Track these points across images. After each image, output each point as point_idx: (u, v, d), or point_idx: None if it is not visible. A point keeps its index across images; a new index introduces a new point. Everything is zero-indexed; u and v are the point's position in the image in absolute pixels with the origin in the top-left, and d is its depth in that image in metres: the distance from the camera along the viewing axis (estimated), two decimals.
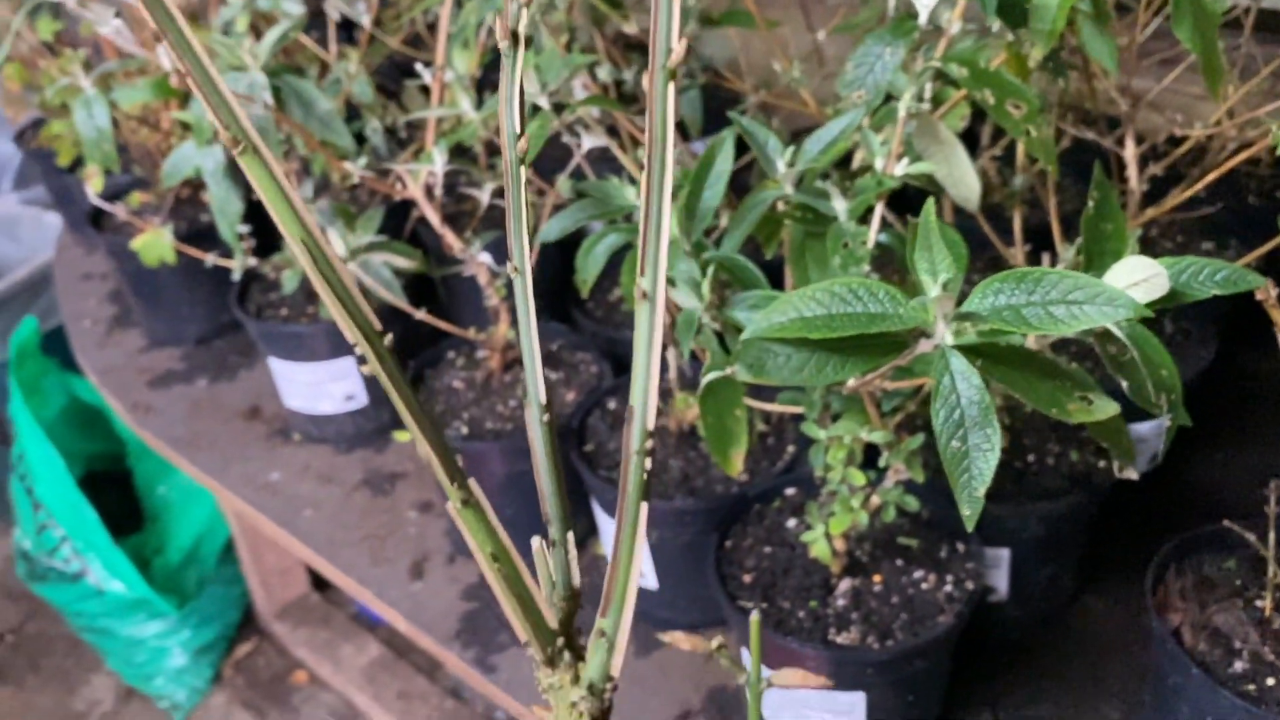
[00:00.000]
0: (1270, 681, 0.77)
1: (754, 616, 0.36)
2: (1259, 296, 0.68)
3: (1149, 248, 1.13)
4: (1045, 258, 0.87)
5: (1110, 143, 0.99)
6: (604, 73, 0.99)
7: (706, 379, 0.67)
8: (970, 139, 1.07)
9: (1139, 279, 0.62)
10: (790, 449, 0.96)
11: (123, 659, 1.80)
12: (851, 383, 0.67)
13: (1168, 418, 0.65)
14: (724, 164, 0.73)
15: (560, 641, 0.36)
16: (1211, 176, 0.90)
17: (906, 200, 0.87)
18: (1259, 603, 0.82)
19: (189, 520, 1.83)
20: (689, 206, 0.73)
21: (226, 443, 1.26)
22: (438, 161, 0.85)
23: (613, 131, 1.01)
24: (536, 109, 0.86)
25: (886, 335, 0.54)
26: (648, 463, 0.31)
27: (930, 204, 0.54)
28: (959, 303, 0.55)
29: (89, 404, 1.83)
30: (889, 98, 0.74)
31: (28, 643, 1.95)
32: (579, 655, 0.35)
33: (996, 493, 0.92)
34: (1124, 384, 0.65)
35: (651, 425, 0.30)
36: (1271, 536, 0.80)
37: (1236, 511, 0.94)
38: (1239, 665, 0.78)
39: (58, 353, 1.77)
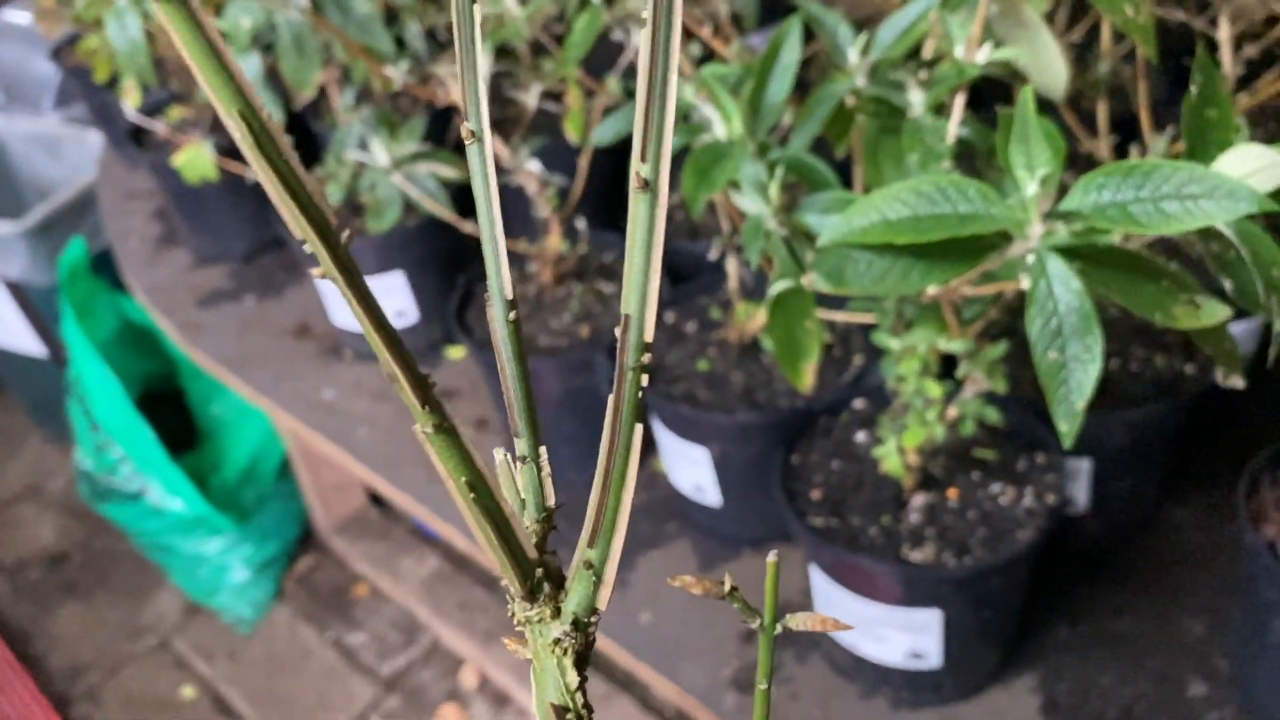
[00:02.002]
0: None
1: (770, 558, 0.32)
2: None
3: (1254, 129, 1.06)
4: (1134, 150, 0.81)
5: (1202, 24, 0.92)
6: None
7: (775, 289, 0.64)
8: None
9: (1252, 169, 0.56)
10: (857, 359, 0.92)
11: (186, 575, 1.83)
12: (933, 290, 0.63)
13: (1277, 319, 0.60)
14: (791, 55, 0.68)
15: (539, 572, 0.32)
16: None
17: (976, 94, 0.81)
18: None
19: (244, 438, 1.84)
20: (754, 102, 0.68)
21: (277, 361, 1.25)
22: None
23: None
24: (585, 3, 0.80)
25: (977, 238, 0.50)
26: (644, 379, 0.27)
27: (1028, 91, 0.49)
28: (1057, 200, 0.50)
29: (140, 324, 1.83)
30: None
31: (95, 559, 1.99)
32: (560, 585, 0.32)
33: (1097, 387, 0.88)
34: (1227, 284, 0.60)
35: (650, 336, 0.26)
36: None
37: None
38: None
39: (107, 273, 1.76)
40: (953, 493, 0.81)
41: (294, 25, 0.91)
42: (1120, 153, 0.85)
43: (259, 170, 0.24)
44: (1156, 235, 0.48)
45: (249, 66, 0.97)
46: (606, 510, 0.31)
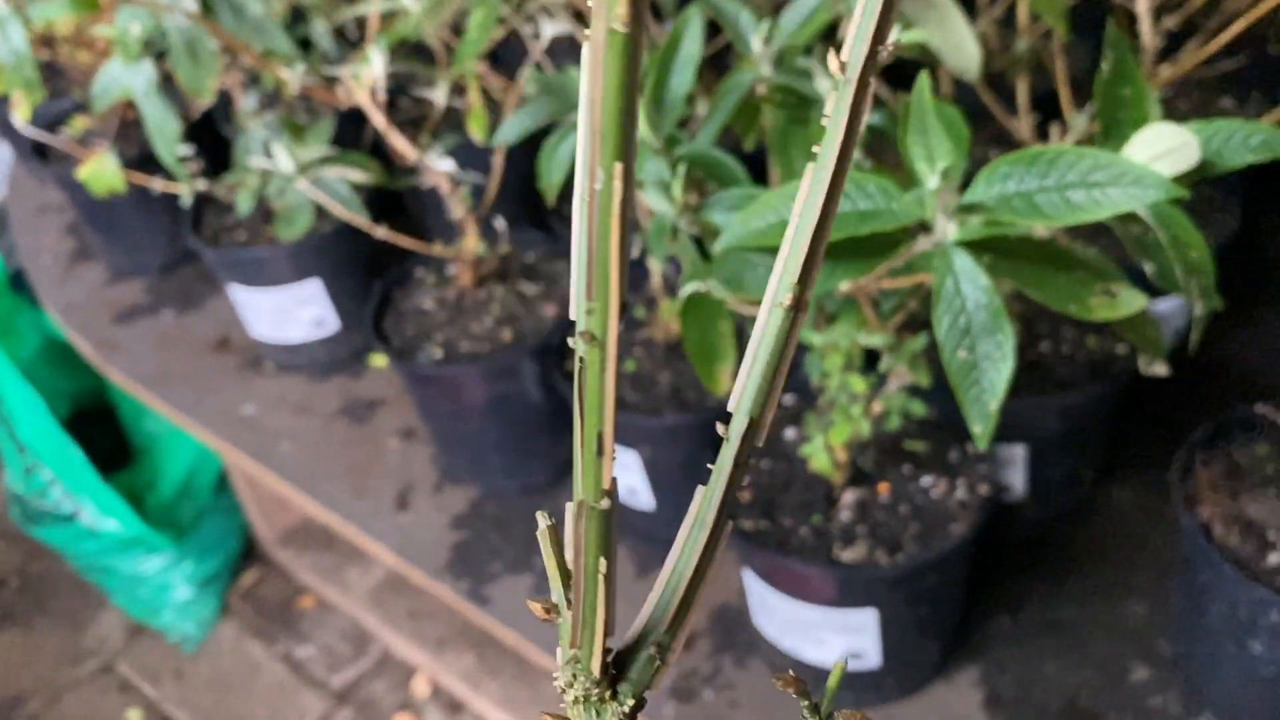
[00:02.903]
0: None
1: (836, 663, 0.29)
2: None
3: (1164, 109, 1.04)
4: (1054, 129, 0.79)
5: None
6: None
7: (685, 291, 0.61)
8: (967, 1, 0.98)
9: (1165, 149, 0.54)
10: None
11: (127, 596, 1.78)
12: (845, 287, 0.60)
13: (1198, 303, 0.58)
14: (692, 45, 0.65)
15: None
16: (1237, 27, 0.81)
17: (904, 75, 0.79)
18: None
19: (179, 452, 1.79)
20: (655, 96, 0.65)
21: (198, 377, 1.21)
22: (376, 63, 0.77)
23: (581, 17, 0.92)
24: None
25: (880, 234, 0.47)
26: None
27: (923, 80, 0.47)
28: (961, 191, 0.48)
29: (65, 341, 1.78)
30: None
31: (32, 584, 1.93)
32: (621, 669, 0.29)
33: (1010, 386, 0.86)
34: (1148, 267, 0.58)
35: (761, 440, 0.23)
36: None
37: (1267, 393, 0.88)
38: (1273, 558, 0.73)
39: (29, 290, 1.70)
40: (884, 488, 0.79)
41: (184, 30, 0.87)
42: (1042, 132, 0.83)
43: None
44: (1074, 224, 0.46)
45: (141, 76, 0.92)
46: (690, 600, 0.27)
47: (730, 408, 0.23)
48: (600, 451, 0.22)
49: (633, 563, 0.94)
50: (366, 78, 0.78)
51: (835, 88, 0.60)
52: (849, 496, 0.78)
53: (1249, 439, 0.81)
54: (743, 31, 0.65)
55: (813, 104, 0.65)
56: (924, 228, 0.49)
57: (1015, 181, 0.46)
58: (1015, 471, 0.85)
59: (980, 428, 0.48)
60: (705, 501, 0.24)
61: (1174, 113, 1.04)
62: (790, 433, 0.83)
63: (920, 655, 0.81)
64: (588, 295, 0.20)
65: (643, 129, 0.65)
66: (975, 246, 0.49)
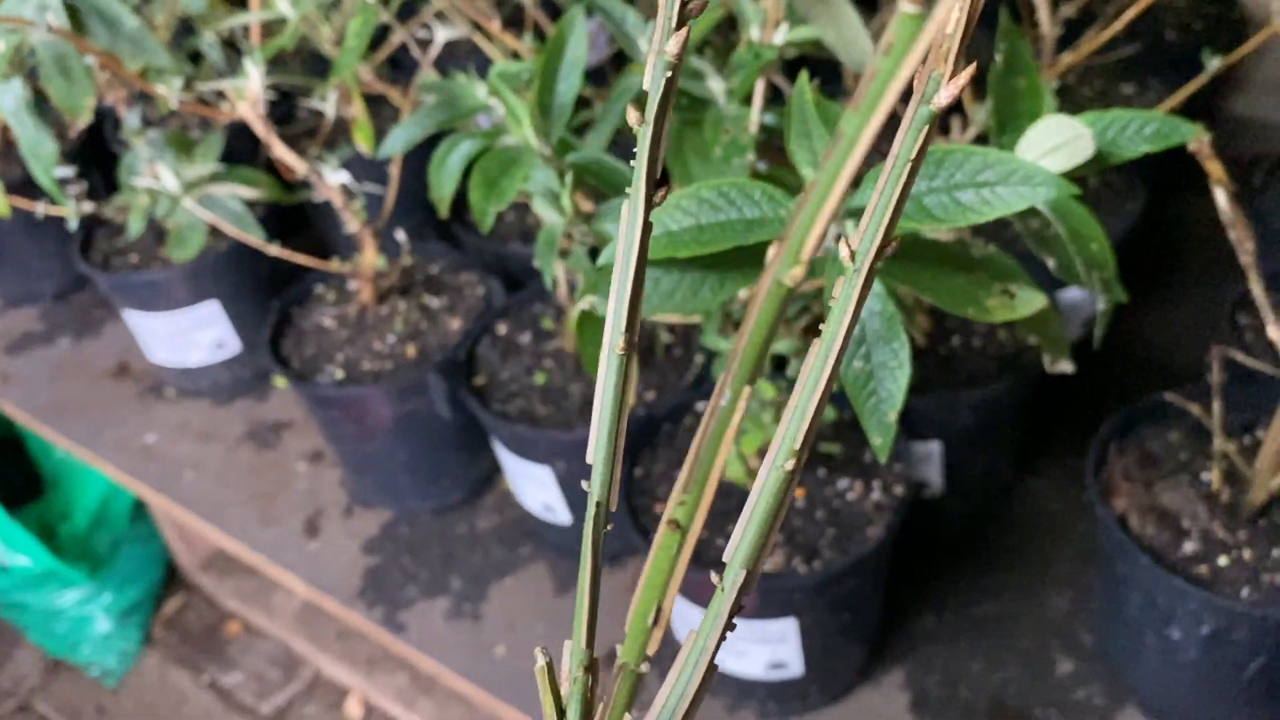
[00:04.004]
0: (1222, 561, 0.72)
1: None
2: (1192, 148, 0.60)
3: (1066, 97, 1.04)
4: (955, 122, 0.78)
5: None
6: None
7: (580, 307, 0.58)
8: None
9: (1060, 142, 0.53)
10: (699, 358, 0.87)
11: (43, 631, 1.71)
12: (743, 294, 0.58)
13: (1100, 297, 0.57)
14: (578, 48, 0.62)
15: None
16: (1131, 13, 0.81)
17: (813, 71, 0.78)
18: (1205, 475, 0.76)
19: (92, 481, 1.73)
20: (542, 102, 0.63)
21: (96, 407, 1.15)
22: (253, 76, 0.73)
23: (478, 26, 0.89)
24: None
25: (769, 243, 0.45)
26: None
27: (803, 81, 0.45)
28: (851, 194, 0.46)
29: None
30: None
31: None
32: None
33: (922, 383, 0.85)
34: (1050, 261, 0.57)
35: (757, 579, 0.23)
36: (1216, 406, 0.74)
37: (1177, 376, 0.88)
38: (1189, 546, 0.73)
39: None
40: (799, 493, 0.77)
41: (53, 46, 0.82)
42: (943, 126, 0.82)
43: None
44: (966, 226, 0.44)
45: (10, 95, 0.87)
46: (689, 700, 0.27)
47: (725, 558, 0.23)
48: (656, 622, 0.23)
49: (552, 579, 0.92)
50: (247, 91, 0.75)
51: (729, 96, 0.57)
52: None
53: (1162, 426, 0.81)
54: (629, 33, 0.63)
55: (706, 105, 0.63)
56: None
57: None
58: (932, 468, 0.84)
59: (880, 439, 0.46)
60: (697, 647, 0.23)
61: (1075, 99, 1.04)
62: None
63: (844, 661, 0.80)
64: (684, 488, 0.21)
65: (529, 135, 0.62)
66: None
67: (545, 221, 0.61)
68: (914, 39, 0.17)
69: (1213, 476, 0.75)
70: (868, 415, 0.46)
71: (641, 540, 0.75)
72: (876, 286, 0.45)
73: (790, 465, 0.23)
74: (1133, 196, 0.94)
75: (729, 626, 0.25)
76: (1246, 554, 0.72)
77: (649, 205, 0.26)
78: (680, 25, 0.26)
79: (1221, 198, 0.64)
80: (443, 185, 0.71)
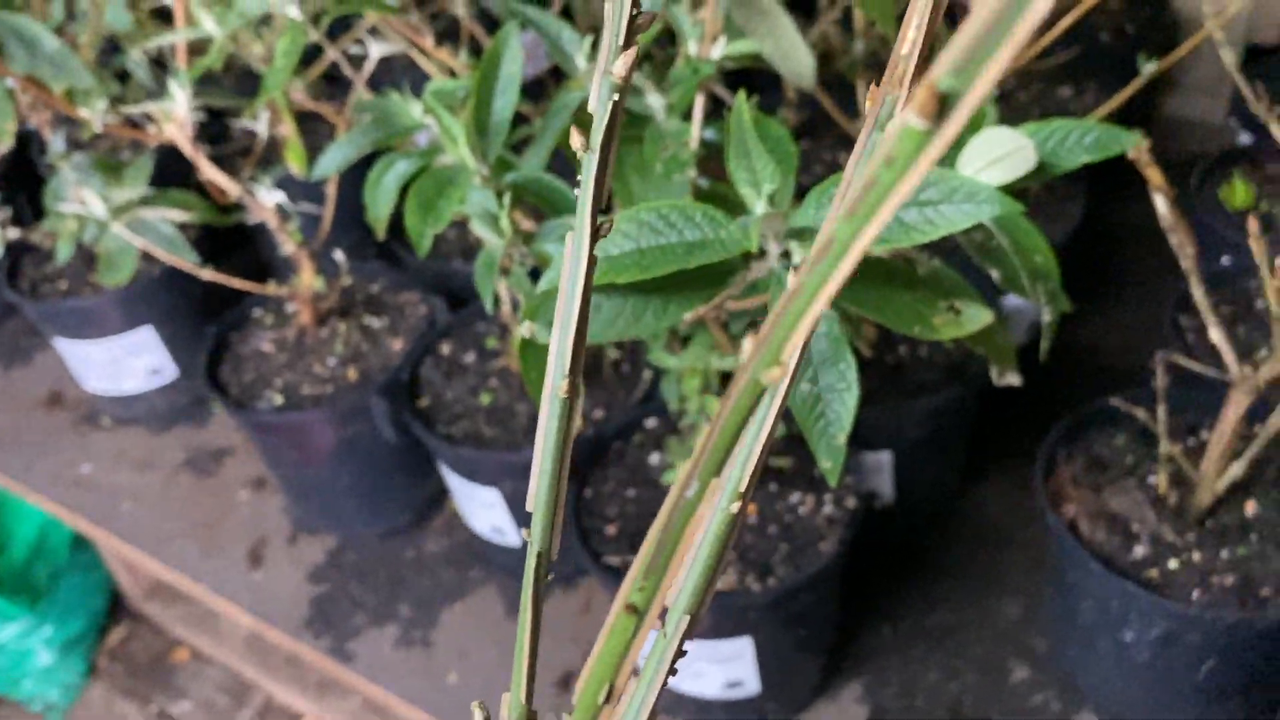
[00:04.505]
0: (1172, 564, 0.72)
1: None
2: (1131, 155, 0.60)
3: (1005, 102, 1.05)
4: None
5: None
6: None
7: (522, 331, 0.57)
8: (809, 3, 0.97)
9: (1001, 154, 0.53)
10: (647, 374, 0.86)
11: None
12: (688, 317, 0.57)
13: (1045, 308, 0.57)
14: (513, 65, 0.61)
15: None
16: (1067, 20, 0.81)
17: (750, 84, 0.77)
18: (1152, 479, 0.76)
19: (29, 511, 1.68)
20: (478, 121, 0.61)
21: (28, 437, 1.12)
22: (179, 97, 0.71)
23: (413, 44, 0.87)
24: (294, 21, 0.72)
25: (711, 265, 0.44)
26: None
27: (741, 101, 0.44)
28: (797, 204, 0.45)
29: None
30: None
31: None
32: None
33: (871, 393, 0.85)
34: (994, 273, 0.57)
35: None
36: (1160, 410, 0.74)
37: (1122, 380, 0.88)
38: (1139, 550, 0.73)
39: None
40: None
41: None
42: None
43: None
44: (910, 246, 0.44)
45: None
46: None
47: (667, 603, 0.22)
48: (608, 699, 0.23)
49: (503, 603, 0.90)
50: (173, 113, 0.72)
51: (669, 111, 0.56)
52: None
53: (1108, 431, 0.81)
54: (566, 49, 0.62)
55: (645, 121, 0.62)
56: (759, 253, 0.46)
57: None
58: (882, 478, 0.84)
59: (829, 462, 0.45)
60: (638, 696, 0.22)
61: (1014, 104, 1.05)
62: (656, 457, 0.80)
63: (801, 676, 0.79)
64: (644, 575, 0.21)
65: (466, 155, 0.61)
66: None
67: (486, 243, 0.59)
68: (919, 154, 0.16)
69: (1160, 480, 0.75)
70: (816, 438, 0.45)
71: (592, 563, 0.73)
72: None
73: (735, 508, 0.22)
74: (1074, 200, 0.95)
75: (671, 671, 0.24)
76: (1195, 556, 0.72)
77: (594, 238, 0.24)
78: (628, 45, 0.25)
79: (1161, 204, 0.64)
80: (379, 206, 0.69)
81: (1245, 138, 1.02)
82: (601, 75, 0.23)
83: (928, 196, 0.42)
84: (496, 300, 0.81)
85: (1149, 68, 0.85)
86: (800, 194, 0.94)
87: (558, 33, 0.62)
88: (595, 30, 0.63)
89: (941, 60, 0.13)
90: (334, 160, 0.70)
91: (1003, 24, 0.13)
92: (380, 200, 0.69)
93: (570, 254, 0.22)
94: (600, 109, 0.24)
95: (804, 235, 0.44)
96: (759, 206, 0.44)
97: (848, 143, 0.95)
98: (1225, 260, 0.91)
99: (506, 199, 0.58)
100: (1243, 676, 0.74)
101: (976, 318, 0.48)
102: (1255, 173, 0.96)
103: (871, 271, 0.47)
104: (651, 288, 0.45)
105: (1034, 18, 0.13)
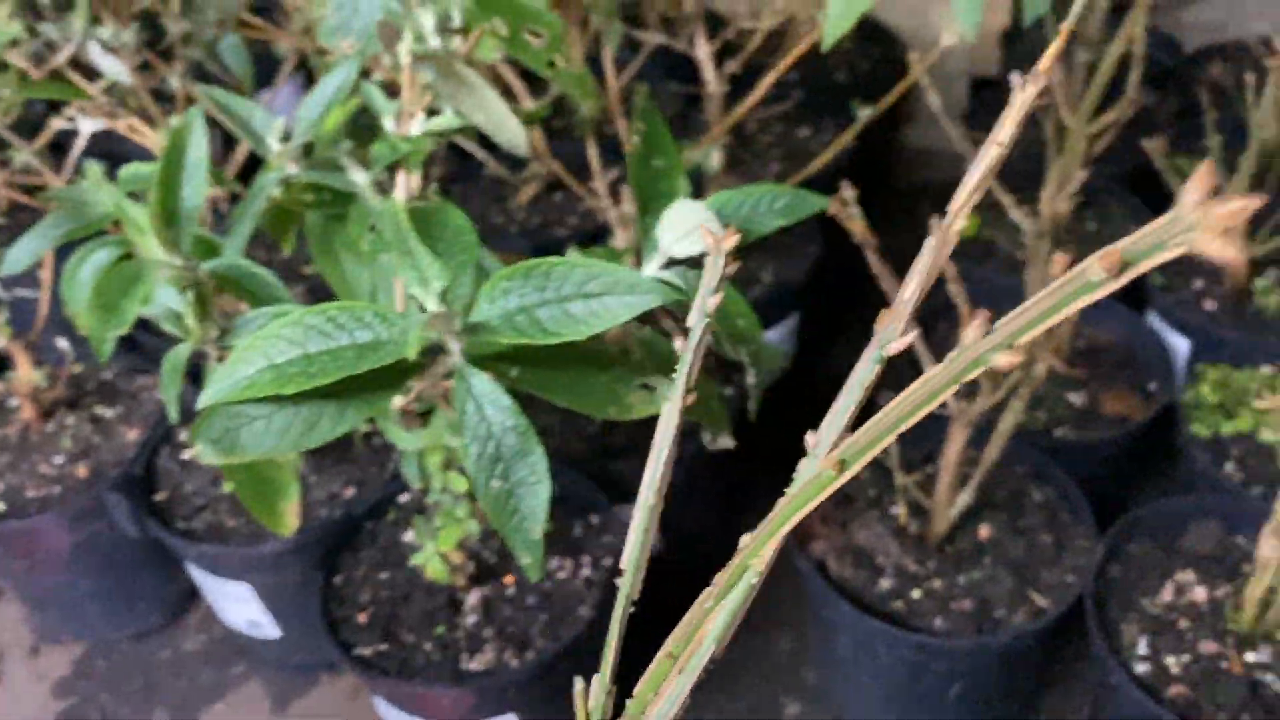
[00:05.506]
0: (916, 594, 0.75)
1: None
2: (832, 211, 0.62)
3: (746, 145, 1.08)
4: (625, 190, 0.78)
5: (683, 45, 0.91)
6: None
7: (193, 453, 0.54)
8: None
9: (692, 225, 0.53)
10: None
11: None
12: (398, 401, 0.56)
13: (749, 371, 0.58)
14: (198, 150, 0.58)
15: None
16: (787, 63, 0.83)
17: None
18: (895, 510, 0.79)
19: None
20: (165, 209, 0.58)
21: None
22: None
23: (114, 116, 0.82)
24: None
25: (388, 366, 0.43)
26: None
27: (392, 204, 0.43)
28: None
29: None
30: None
31: None
32: None
33: (625, 446, 0.85)
34: None
35: None
36: (893, 445, 0.77)
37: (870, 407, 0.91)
38: (885, 583, 0.76)
39: None
40: (509, 579, 0.75)
41: None
42: (615, 193, 0.82)
43: None
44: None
45: None
46: None
47: None
48: None
49: (268, 697, 0.86)
50: None
51: (369, 186, 0.54)
52: (473, 598, 0.73)
53: None
54: (257, 130, 0.59)
55: (351, 199, 0.60)
56: (441, 349, 0.45)
57: (517, 297, 0.42)
58: None
59: (529, 558, 0.44)
60: None
61: (755, 147, 1.08)
62: (409, 535, 0.78)
63: None
64: None
65: (154, 247, 0.57)
66: (500, 360, 0.45)
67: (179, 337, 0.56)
68: (821, 492, 0.22)
69: (901, 511, 0.78)
70: (512, 534, 0.44)
71: (343, 655, 0.70)
72: (503, 400, 0.43)
73: None
74: (812, 240, 0.98)
75: None
76: (937, 584, 0.75)
77: None
78: None
79: (872, 259, 0.67)
80: (76, 300, 0.64)
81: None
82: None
83: (591, 289, 0.42)
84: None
85: (865, 112, 0.88)
86: (546, 246, 0.93)
87: (248, 114, 0.60)
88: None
89: None
90: (24, 255, 0.65)
91: None
92: (77, 294, 0.64)
93: None
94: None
95: (479, 330, 0.43)
96: (430, 303, 0.43)
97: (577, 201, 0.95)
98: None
99: (190, 296, 0.54)
100: (988, 694, 0.77)
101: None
102: (980, 200, 1.01)
103: (562, 356, 0.47)
104: (327, 392, 0.43)
105: None
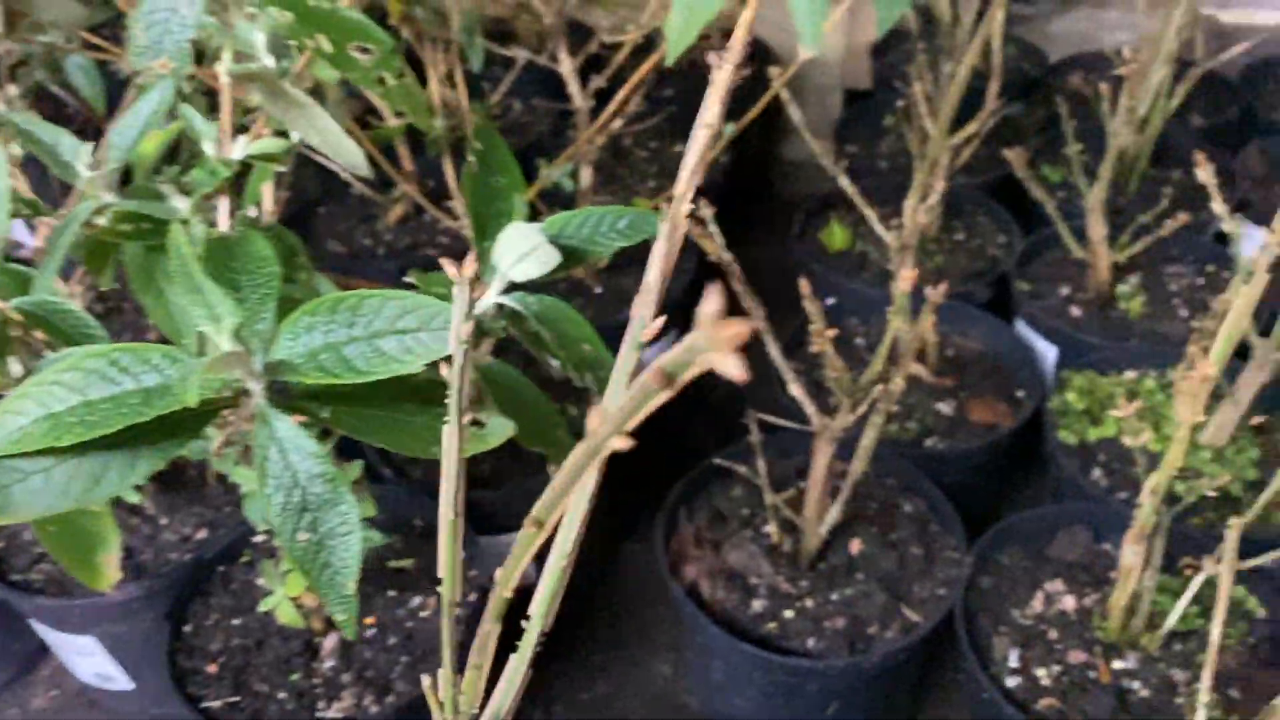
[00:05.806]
0: (788, 614, 0.73)
1: None
2: (693, 233, 0.61)
3: (622, 159, 1.06)
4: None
5: (545, 60, 0.89)
6: None
7: None
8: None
9: (528, 248, 0.51)
10: None
11: None
12: (216, 444, 0.52)
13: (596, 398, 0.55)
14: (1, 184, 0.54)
15: None
16: (638, 77, 0.82)
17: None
18: (767, 529, 0.78)
19: None
20: None
21: None
22: None
23: None
24: None
25: (176, 413, 0.40)
26: None
27: (176, 233, 0.40)
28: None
29: None
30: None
31: None
32: None
33: (493, 476, 0.82)
34: (552, 361, 0.55)
35: None
36: (760, 464, 0.75)
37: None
38: (757, 605, 0.74)
39: None
40: (370, 620, 0.72)
41: None
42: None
43: None
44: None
45: None
46: None
47: None
48: None
49: None
50: None
51: (190, 214, 0.51)
52: (330, 641, 0.70)
53: (727, 484, 0.82)
54: (65, 158, 0.55)
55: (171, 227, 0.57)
56: (244, 391, 0.42)
57: (321, 334, 0.40)
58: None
59: (343, 614, 0.41)
60: None
61: (630, 161, 1.06)
62: (264, 579, 0.74)
63: None
64: None
65: None
66: (308, 398, 0.42)
67: None
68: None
69: (773, 529, 0.77)
70: (324, 589, 0.41)
71: (190, 709, 0.66)
72: (309, 445, 0.41)
73: None
74: (688, 252, 0.96)
75: None
76: (809, 603, 0.74)
77: None
78: None
79: (732, 277, 0.65)
80: None
81: (845, 181, 1.07)
82: None
83: (405, 324, 0.40)
84: None
85: (729, 130, 0.87)
86: (414, 268, 0.89)
87: (54, 141, 0.56)
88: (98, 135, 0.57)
89: None
90: None
91: None
92: None
93: None
94: None
95: (282, 370, 0.40)
96: (223, 343, 0.40)
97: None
98: (829, 301, 0.95)
99: None
100: (866, 709, 0.76)
101: (500, 430, 0.46)
102: (850, 214, 1.01)
103: (380, 394, 0.44)
104: (113, 442, 0.40)
105: None
